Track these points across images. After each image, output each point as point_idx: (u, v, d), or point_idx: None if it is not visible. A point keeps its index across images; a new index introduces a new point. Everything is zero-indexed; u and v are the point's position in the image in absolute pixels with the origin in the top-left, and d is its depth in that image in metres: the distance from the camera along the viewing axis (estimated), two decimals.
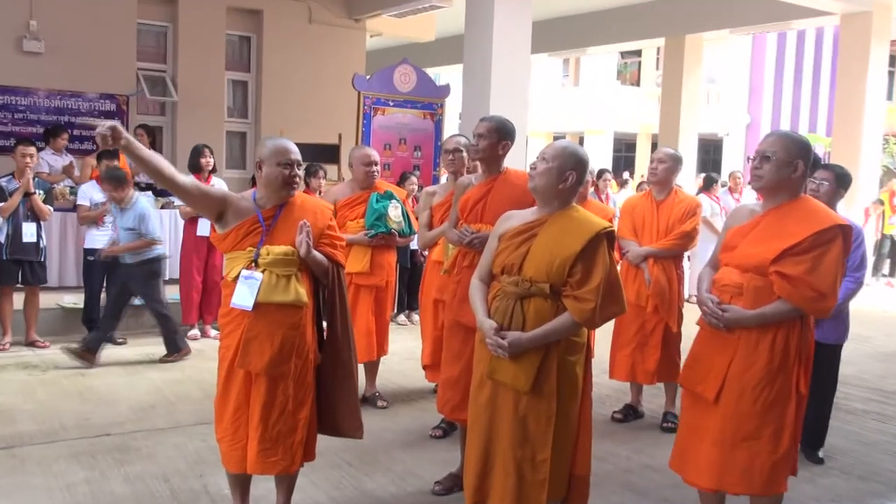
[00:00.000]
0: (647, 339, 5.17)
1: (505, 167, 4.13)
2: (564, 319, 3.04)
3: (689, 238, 5.17)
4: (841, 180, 4.48)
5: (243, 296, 3.30)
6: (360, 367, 4.48)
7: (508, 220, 3.28)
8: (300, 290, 3.35)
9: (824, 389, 4.68)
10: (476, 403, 3.20)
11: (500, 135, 4.03)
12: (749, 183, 3.58)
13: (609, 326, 4.33)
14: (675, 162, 5.23)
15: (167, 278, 8.20)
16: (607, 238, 3.09)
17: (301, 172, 3.44)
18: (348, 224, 5.35)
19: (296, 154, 3.41)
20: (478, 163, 4.28)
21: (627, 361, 5.23)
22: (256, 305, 3.28)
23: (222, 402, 3.39)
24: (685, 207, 5.18)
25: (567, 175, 3.12)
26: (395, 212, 5.37)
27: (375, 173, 5.40)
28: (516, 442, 3.07)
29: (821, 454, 4.75)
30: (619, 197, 11.72)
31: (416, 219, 7.85)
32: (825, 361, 4.55)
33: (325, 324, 3.59)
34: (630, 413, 5.46)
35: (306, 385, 3.41)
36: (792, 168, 3.19)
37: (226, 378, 3.37)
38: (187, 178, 3.39)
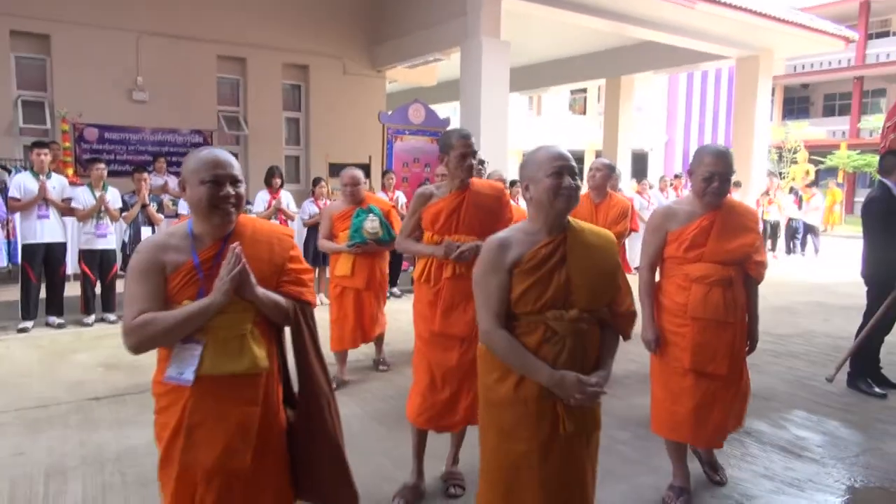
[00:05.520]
0: None
1: (471, 179, 3.23)
2: (614, 340, 2.12)
3: (620, 238, 4.56)
4: (611, 168, 4.76)
5: (180, 367, 1.87)
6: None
7: (508, 249, 2.07)
8: (257, 353, 1.91)
9: None
10: (543, 471, 2.02)
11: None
12: (706, 196, 2.89)
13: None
14: (610, 170, 4.72)
15: None
16: None
17: (242, 191, 1.94)
18: (340, 235, 4.78)
19: (229, 168, 1.92)
20: (443, 175, 3.78)
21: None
22: (199, 379, 1.86)
23: (164, 487, 1.97)
24: (619, 209, 4.62)
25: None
26: (370, 224, 4.73)
27: (350, 192, 4.77)
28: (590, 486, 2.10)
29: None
30: None
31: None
32: None
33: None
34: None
35: (272, 463, 1.99)
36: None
37: (164, 458, 1.94)
38: (140, 318, 1.85)
